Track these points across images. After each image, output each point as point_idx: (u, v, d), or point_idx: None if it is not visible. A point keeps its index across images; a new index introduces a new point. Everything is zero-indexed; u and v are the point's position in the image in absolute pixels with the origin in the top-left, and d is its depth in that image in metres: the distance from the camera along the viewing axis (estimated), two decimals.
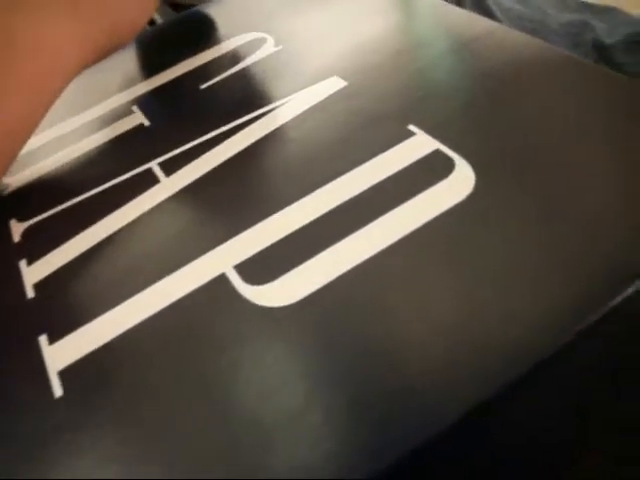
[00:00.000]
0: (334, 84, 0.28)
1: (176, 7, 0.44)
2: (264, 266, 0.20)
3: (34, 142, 0.32)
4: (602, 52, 0.54)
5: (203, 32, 0.38)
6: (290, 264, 0.20)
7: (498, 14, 0.56)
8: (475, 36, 0.29)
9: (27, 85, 0.27)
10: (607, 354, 0.17)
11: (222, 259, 0.21)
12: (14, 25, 0.27)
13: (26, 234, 0.25)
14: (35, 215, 0.26)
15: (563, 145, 0.22)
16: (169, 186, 0.26)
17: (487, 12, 0.56)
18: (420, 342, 0.16)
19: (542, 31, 0.55)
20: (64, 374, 0.19)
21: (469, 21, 0.30)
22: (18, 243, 0.25)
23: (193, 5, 0.42)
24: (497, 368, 0.15)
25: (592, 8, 0.59)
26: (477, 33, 0.29)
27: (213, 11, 0.40)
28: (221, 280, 0.20)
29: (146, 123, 0.30)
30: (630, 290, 0.16)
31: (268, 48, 0.33)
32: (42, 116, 0.28)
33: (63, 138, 0.32)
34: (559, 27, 0.56)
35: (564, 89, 0.24)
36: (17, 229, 0.26)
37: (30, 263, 0.24)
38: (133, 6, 0.31)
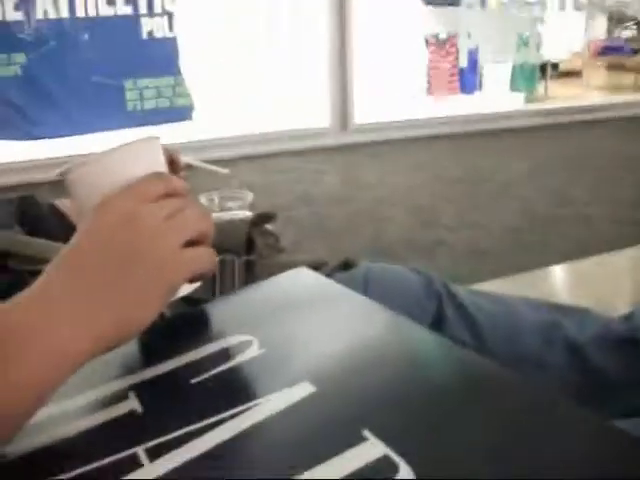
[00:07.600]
0: (304, 389, 0.32)
1: (188, 300, 0.48)
2: None
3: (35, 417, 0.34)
4: (575, 352, 0.57)
5: (200, 330, 0.43)
6: None
7: (476, 315, 0.61)
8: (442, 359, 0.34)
9: (36, 377, 0.31)
10: None
11: None
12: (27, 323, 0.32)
13: None
14: None
15: None
16: (151, 471, 0.28)
17: (465, 314, 0.61)
18: None
19: (514, 329, 0.59)
20: None
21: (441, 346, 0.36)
22: None
23: (202, 299, 0.46)
24: None
25: (563, 309, 0.64)
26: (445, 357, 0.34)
27: (214, 310, 0.45)
28: None
29: (139, 410, 0.33)
30: None
31: (252, 351, 0.37)
32: (48, 397, 0.32)
33: (58, 417, 0.34)
34: (530, 325, 0.60)
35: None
36: None
37: None
38: (142, 304, 0.35)
